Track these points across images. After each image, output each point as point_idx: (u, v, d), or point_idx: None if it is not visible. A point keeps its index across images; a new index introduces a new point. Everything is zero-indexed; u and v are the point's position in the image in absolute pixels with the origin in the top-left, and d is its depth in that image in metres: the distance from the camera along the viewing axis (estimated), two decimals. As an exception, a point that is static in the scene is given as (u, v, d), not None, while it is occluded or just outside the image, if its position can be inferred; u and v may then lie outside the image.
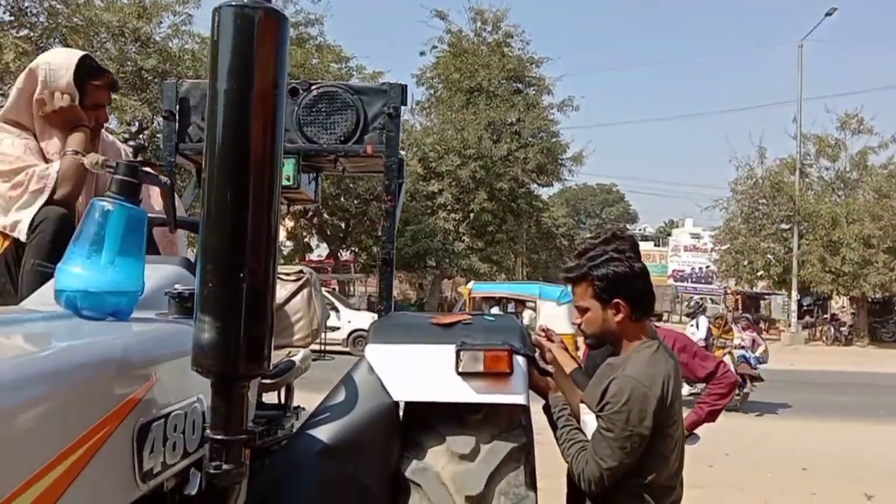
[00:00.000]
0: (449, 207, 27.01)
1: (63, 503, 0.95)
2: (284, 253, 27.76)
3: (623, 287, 2.16)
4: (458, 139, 26.57)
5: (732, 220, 30.97)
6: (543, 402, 2.40)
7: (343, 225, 28.55)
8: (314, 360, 3.19)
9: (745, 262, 29.97)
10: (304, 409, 2.99)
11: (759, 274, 30.57)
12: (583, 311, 2.25)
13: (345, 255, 30.93)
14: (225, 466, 1.18)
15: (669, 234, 53.98)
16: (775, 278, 30.21)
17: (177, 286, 1.60)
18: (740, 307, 34.33)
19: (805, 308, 32.43)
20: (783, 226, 29.80)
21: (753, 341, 11.66)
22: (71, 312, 1.41)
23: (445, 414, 2.25)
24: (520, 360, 2.21)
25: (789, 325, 30.11)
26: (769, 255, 29.82)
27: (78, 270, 1.39)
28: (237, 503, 1.26)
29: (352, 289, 33.04)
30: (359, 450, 2.11)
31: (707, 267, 40.84)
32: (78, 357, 1.12)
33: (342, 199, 25.83)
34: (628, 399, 2.03)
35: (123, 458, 1.13)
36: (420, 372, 2.24)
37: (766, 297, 36.56)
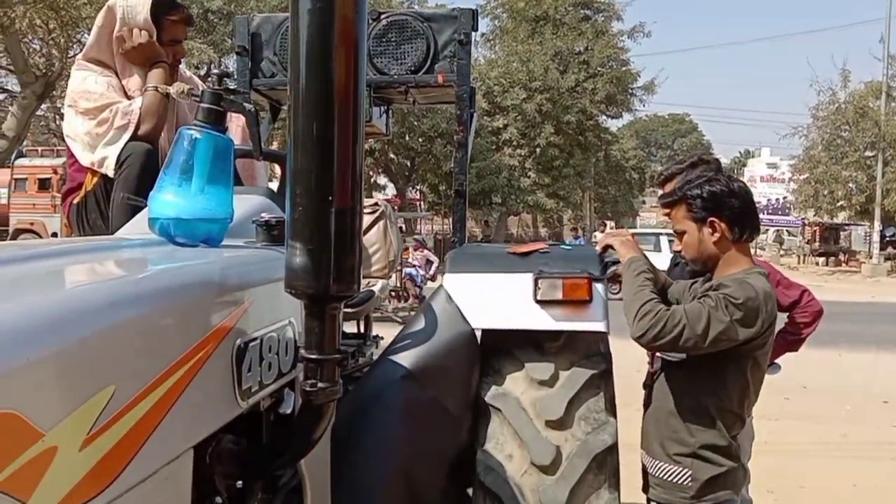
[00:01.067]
0: (514, 143, 26.69)
1: (171, 417, 0.99)
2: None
3: (718, 205, 2.10)
4: (523, 71, 26.02)
5: (812, 147, 29.60)
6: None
7: (408, 163, 28.58)
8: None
9: (826, 192, 28.75)
10: (382, 338, 3.06)
11: (839, 204, 29.34)
12: (681, 235, 2.22)
13: (411, 194, 31.09)
14: (320, 384, 1.21)
15: (745, 165, 52.11)
16: (857, 208, 28.94)
17: (263, 215, 1.63)
18: (818, 239, 33.11)
19: (888, 239, 31.02)
20: (867, 153, 28.29)
21: (427, 261, 13.11)
22: (165, 239, 1.45)
23: (524, 341, 2.27)
24: (598, 288, 2.19)
25: (870, 257, 28.93)
26: (851, 185, 28.48)
27: (170, 198, 1.43)
28: (330, 421, 1.30)
29: (419, 227, 33.31)
30: (440, 375, 2.15)
31: (784, 198, 39.41)
32: (177, 279, 1.16)
33: (406, 137, 25.79)
34: (745, 299, 1.97)
35: (224, 376, 1.18)
36: (498, 300, 2.25)
37: (847, 227, 35.09)
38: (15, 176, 21.74)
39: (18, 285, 1.01)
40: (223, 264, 1.36)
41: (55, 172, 21.40)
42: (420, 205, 31.08)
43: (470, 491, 2.31)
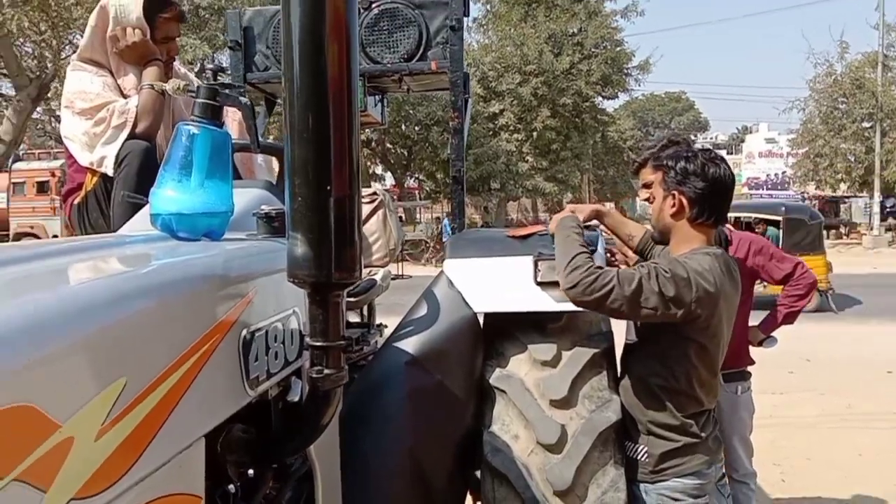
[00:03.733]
0: (511, 128, 26.59)
1: (182, 407, 1.02)
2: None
3: (684, 181, 2.13)
4: (517, 55, 25.90)
5: (810, 121, 29.50)
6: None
7: (406, 153, 28.52)
8: (392, 278, 3.26)
9: (825, 165, 28.69)
10: (386, 326, 3.08)
11: (839, 177, 29.27)
12: (652, 197, 2.28)
13: (409, 183, 31.04)
14: (326, 371, 1.24)
15: (743, 141, 51.92)
16: (857, 180, 28.87)
17: (263, 207, 1.65)
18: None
19: (888, 210, 31.00)
20: (865, 124, 28.22)
21: None
22: (167, 235, 1.47)
23: (526, 323, 2.30)
24: (596, 262, 2.21)
25: (871, 228, 28.89)
26: (850, 157, 28.42)
27: (170, 194, 1.45)
28: (337, 407, 1.33)
29: (418, 216, 33.28)
30: (444, 360, 2.17)
31: (783, 173, 39.30)
32: (182, 273, 1.18)
33: (402, 126, 25.73)
34: (673, 275, 2.00)
35: (232, 366, 1.20)
36: (499, 284, 2.27)
37: (847, 200, 35.04)
38: (13, 180, 21.77)
39: (27, 283, 1.03)
40: (226, 257, 1.38)
41: (53, 175, 21.43)
42: (418, 193, 31.04)
43: (478, 473, 2.34)
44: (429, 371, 2.14)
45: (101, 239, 1.60)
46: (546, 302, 2.20)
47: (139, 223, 1.75)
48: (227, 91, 1.53)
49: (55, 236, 20.55)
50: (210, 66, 1.50)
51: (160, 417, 0.96)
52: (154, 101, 2.34)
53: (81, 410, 0.81)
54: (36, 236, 20.36)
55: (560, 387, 2.16)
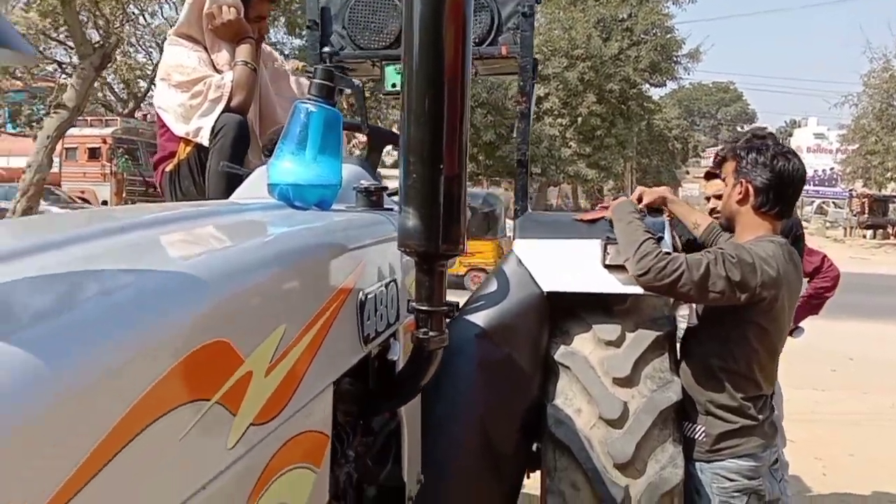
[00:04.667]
0: (555, 112, 26.43)
1: (319, 356, 1.15)
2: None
3: (753, 170, 2.20)
4: (565, 39, 25.67)
5: (863, 117, 28.80)
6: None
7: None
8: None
9: (877, 163, 28.02)
10: (457, 302, 3.20)
11: (888, 175, 28.58)
12: (725, 185, 2.36)
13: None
14: (430, 333, 1.36)
15: (790, 135, 50.84)
16: (908, 180, 28.20)
17: (362, 182, 1.77)
18: (866, 211, 32.37)
19: (940, 210, 30.21)
20: (921, 123, 27.46)
21: None
22: (283, 203, 1.60)
23: (591, 304, 2.38)
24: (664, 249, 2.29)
25: (921, 230, 28.22)
26: (903, 155, 27.72)
27: (287, 165, 1.58)
28: (436, 367, 1.45)
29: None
30: (512, 335, 2.28)
31: (831, 169, 38.45)
32: (320, 239, 1.32)
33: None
34: (739, 260, 2.08)
35: (352, 323, 1.33)
36: (567, 265, 2.36)
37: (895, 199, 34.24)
38: (66, 146, 22.32)
39: (202, 239, 1.17)
40: (340, 226, 1.51)
41: (104, 142, 21.92)
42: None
43: (535, 446, 2.46)
44: (498, 344, 2.24)
45: (228, 205, 1.74)
46: (612, 284, 2.29)
47: (246, 191, 1.89)
48: (340, 73, 1.64)
49: (104, 202, 21.07)
50: (327, 49, 1.61)
51: (306, 362, 1.09)
52: (248, 78, 2.47)
53: (257, 349, 0.94)
54: (87, 201, 20.87)
55: (623, 366, 2.25)
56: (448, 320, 1.42)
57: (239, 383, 0.88)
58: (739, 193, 2.24)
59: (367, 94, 3.54)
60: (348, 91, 1.80)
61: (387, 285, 1.54)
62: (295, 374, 1.04)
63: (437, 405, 2.13)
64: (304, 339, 1.08)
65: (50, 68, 20.21)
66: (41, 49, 17.00)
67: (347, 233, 1.48)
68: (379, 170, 2.47)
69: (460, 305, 2.67)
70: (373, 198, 1.73)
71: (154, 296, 0.79)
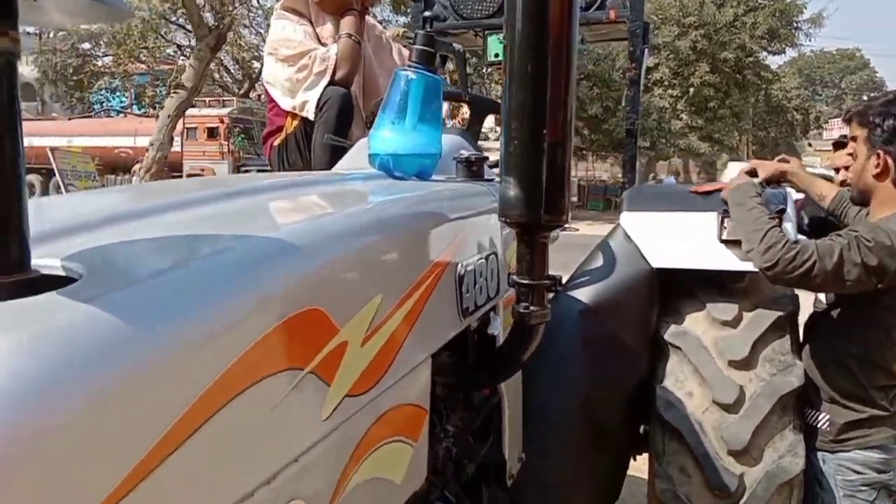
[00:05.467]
0: (665, 83, 25.47)
1: (417, 328, 1.12)
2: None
3: (892, 142, 1.99)
4: (676, 6, 24.63)
5: None
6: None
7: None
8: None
9: None
10: (561, 277, 3.13)
11: None
12: (855, 154, 2.14)
13: (554, 138, 30.54)
14: (532, 308, 1.30)
15: (927, 104, 46.84)
16: None
17: (462, 152, 1.72)
18: None
19: None
20: None
21: None
22: (383, 173, 1.58)
23: (705, 281, 2.26)
24: (788, 227, 2.13)
25: None
26: None
27: (387, 135, 1.55)
28: (536, 343, 1.39)
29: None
30: (618, 311, 2.19)
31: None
32: (418, 208, 1.29)
33: (551, 80, 25.23)
34: (876, 244, 1.88)
35: (451, 295, 1.29)
36: (679, 239, 2.24)
37: None
38: (186, 125, 23.50)
39: (301, 206, 1.16)
40: (440, 196, 1.47)
41: (222, 122, 22.97)
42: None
43: (642, 428, 2.36)
44: (603, 321, 2.17)
45: (328, 175, 1.74)
46: (729, 260, 2.15)
47: (348, 162, 1.88)
48: (441, 39, 1.60)
49: (222, 180, 22.08)
50: (427, 13, 1.57)
51: (403, 334, 1.06)
52: (352, 50, 2.47)
53: (353, 318, 0.91)
54: (206, 179, 21.92)
55: (740, 348, 2.12)
56: (550, 295, 1.35)
57: (334, 353, 0.86)
58: (877, 166, 2.03)
59: (469, 70, 3.49)
60: (451, 66, 1.76)
61: (487, 258, 1.49)
62: (392, 346, 1.01)
63: (540, 382, 2.08)
64: (401, 309, 1.05)
65: (171, 51, 21.28)
66: (162, 33, 17.91)
67: (447, 203, 1.44)
68: (480, 142, 2.43)
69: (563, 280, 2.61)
70: (473, 168, 1.68)
71: (248, 263, 0.77)
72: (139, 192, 1.54)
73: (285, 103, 2.55)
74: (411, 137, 1.54)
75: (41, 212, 0.96)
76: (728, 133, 27.63)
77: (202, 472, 0.65)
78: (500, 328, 1.53)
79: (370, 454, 0.96)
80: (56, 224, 0.84)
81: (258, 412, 0.73)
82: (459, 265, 1.33)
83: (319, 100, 2.43)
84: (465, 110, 2.44)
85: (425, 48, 1.56)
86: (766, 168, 2.30)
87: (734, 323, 2.18)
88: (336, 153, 2.25)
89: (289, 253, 0.83)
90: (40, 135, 21.33)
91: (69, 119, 25.22)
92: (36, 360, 0.53)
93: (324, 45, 2.58)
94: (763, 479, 2.03)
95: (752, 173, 2.31)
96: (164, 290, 0.67)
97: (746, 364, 2.11)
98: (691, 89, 25.40)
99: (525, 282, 1.30)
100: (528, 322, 1.31)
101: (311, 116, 2.46)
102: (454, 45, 1.64)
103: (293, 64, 2.51)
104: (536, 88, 1.19)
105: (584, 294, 2.19)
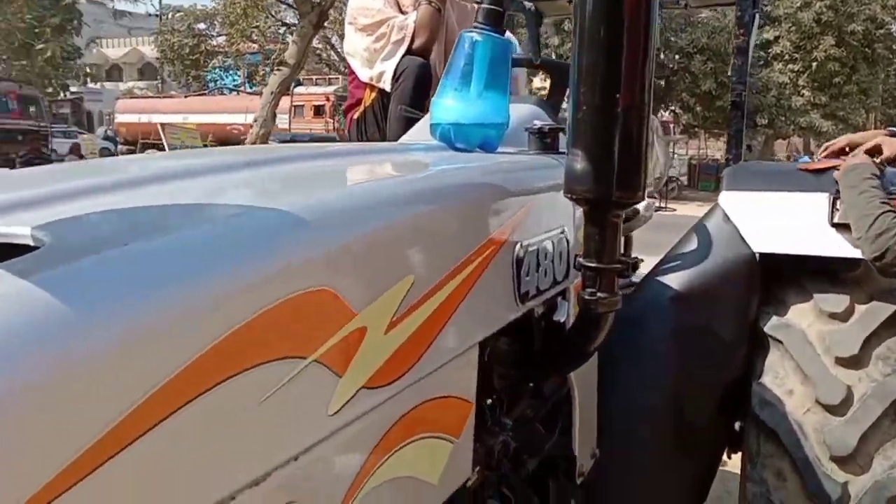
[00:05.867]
0: (786, 57, 23.98)
1: (461, 312, 1.00)
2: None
3: None
4: (801, -25, 23.09)
5: None
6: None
7: (661, 83, 26.98)
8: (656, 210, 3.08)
9: None
10: (642, 260, 2.94)
11: None
12: None
13: (664, 116, 29.46)
14: (599, 294, 1.16)
15: None
16: None
17: (536, 122, 1.59)
18: None
19: None
20: None
21: None
22: (445, 145, 1.47)
23: (813, 269, 2.05)
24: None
25: None
26: None
27: (449, 103, 1.44)
28: (606, 333, 1.25)
29: (672, 152, 31.60)
30: (713, 299, 2.02)
31: None
32: (463, 181, 1.17)
33: (661, 54, 24.27)
34: None
35: (506, 277, 1.17)
36: (785, 222, 2.04)
37: None
38: (294, 103, 24.21)
39: (326, 177, 1.07)
40: (502, 169, 1.35)
41: (328, 100, 23.55)
42: (672, 127, 29.36)
43: (737, 425, 2.17)
44: (694, 309, 2.00)
45: (380, 146, 1.65)
46: (842, 247, 1.93)
47: (416, 134, 1.78)
48: (512, -4, 1.46)
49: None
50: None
51: (442, 319, 0.95)
52: (431, 17, 2.36)
53: (375, 302, 0.81)
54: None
55: (850, 344, 1.90)
56: (626, 280, 1.21)
57: (347, 340, 0.76)
58: None
59: (557, 41, 3.31)
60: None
61: (554, 239, 1.35)
62: (426, 332, 0.91)
63: (621, 373, 1.93)
64: (441, 292, 0.94)
65: (281, 31, 21.91)
66: (273, 13, 18.39)
67: (509, 176, 1.31)
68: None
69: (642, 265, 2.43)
70: (546, 140, 1.54)
71: (245, 235, 0.69)
72: (171, 157, 1.50)
73: (363, 74, 2.48)
74: (475, 105, 1.42)
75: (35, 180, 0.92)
76: (854, 111, 25.76)
77: (170, 469, 0.57)
78: (568, 315, 1.40)
79: (395, 451, 0.86)
80: (41, 192, 0.79)
81: (245, 403, 0.64)
82: (518, 245, 1.20)
83: (396, 70, 2.34)
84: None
85: (493, 7, 1.43)
86: (893, 146, 2.03)
87: (845, 316, 1.96)
88: (412, 126, 2.16)
89: (297, 226, 0.74)
90: (161, 111, 22.53)
91: (185, 97, 26.50)
92: None
93: (403, 12, 2.48)
94: (870, 489, 1.82)
95: (875, 151, 2.05)
96: (135, 260, 0.59)
97: (856, 362, 1.90)
98: (814, 64, 23.80)
99: (592, 265, 1.16)
100: (595, 310, 1.18)
101: (388, 88, 2.37)
102: (525, 2, 1.50)
103: (371, 33, 2.43)
104: (610, 46, 1.05)
105: (675, 279, 2.02)
